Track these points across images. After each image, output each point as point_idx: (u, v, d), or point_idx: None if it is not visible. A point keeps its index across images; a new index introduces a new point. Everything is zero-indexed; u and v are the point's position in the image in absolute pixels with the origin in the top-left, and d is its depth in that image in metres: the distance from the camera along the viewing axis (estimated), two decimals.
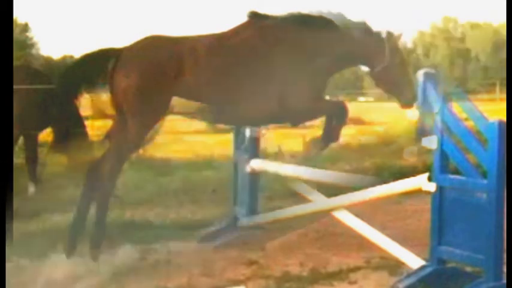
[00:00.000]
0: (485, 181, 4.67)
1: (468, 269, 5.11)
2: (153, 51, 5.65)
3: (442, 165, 5.01)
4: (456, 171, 4.98)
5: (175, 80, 5.53)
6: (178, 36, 5.95)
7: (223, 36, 5.79)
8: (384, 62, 5.74)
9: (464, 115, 4.95)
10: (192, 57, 5.55)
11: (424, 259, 5.17)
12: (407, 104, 5.63)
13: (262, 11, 5.83)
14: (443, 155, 5.00)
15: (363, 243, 5.94)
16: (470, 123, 4.94)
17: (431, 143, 5.01)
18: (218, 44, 5.70)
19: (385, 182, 5.70)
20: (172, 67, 5.52)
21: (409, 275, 5.08)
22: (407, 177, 5.46)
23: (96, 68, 5.69)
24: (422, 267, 5.08)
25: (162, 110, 5.66)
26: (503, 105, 5.88)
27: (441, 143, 4.98)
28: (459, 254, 4.87)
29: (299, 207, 6.45)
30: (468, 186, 4.81)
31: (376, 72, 5.83)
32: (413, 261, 5.22)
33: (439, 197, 5.01)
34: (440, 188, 4.99)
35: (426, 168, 5.48)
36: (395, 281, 5.14)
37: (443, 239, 4.98)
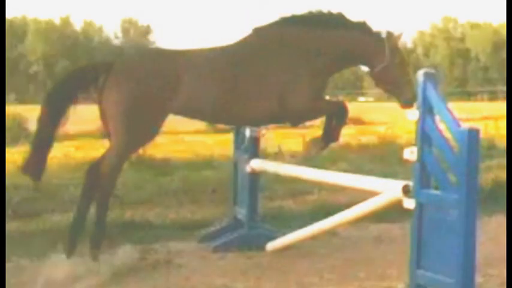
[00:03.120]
0: (456, 195, 4.20)
1: None
2: (147, 65, 5.62)
3: (423, 179, 4.50)
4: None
5: (171, 95, 5.49)
6: (175, 50, 5.95)
7: (226, 48, 5.82)
8: (384, 62, 5.74)
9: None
10: (191, 72, 5.53)
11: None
12: (407, 104, 5.62)
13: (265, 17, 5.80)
14: (424, 168, 4.49)
15: None
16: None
17: (412, 154, 4.55)
18: (221, 54, 5.71)
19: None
20: (168, 82, 5.49)
21: None
22: None
23: (86, 82, 5.63)
24: None
25: (152, 130, 5.61)
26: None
27: (421, 154, 4.49)
28: (434, 278, 4.38)
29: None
30: (442, 203, 4.36)
31: (376, 72, 5.82)
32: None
33: (418, 215, 4.51)
34: (420, 205, 4.50)
35: None
36: None
37: (421, 262, 4.50)
